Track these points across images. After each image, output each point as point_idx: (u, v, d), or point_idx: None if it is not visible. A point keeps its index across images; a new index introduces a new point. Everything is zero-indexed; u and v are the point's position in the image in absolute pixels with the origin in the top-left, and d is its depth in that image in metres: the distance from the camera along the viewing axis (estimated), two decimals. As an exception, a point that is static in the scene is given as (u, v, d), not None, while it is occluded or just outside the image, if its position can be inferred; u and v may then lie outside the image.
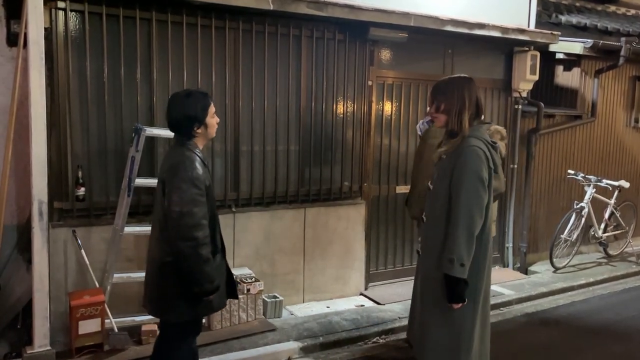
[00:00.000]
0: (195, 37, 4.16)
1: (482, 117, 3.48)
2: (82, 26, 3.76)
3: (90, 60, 3.80)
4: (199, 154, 2.70)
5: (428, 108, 3.77)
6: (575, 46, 6.27)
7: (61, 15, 3.68)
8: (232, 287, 2.94)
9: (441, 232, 2.80)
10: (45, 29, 3.50)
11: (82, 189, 3.81)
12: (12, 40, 3.72)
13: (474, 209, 2.72)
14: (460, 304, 2.76)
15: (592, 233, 6.53)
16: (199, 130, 2.72)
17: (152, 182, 3.66)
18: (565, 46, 6.25)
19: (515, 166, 6.05)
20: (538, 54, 5.81)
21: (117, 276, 3.85)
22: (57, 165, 3.76)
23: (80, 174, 3.80)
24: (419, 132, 3.90)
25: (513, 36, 5.41)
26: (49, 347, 3.51)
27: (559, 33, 5.85)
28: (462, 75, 2.95)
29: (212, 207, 2.74)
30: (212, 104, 2.78)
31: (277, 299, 4.49)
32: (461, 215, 2.71)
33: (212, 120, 2.78)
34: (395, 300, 4.93)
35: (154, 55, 4.01)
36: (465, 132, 2.78)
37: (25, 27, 3.38)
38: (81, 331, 3.59)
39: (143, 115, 4.03)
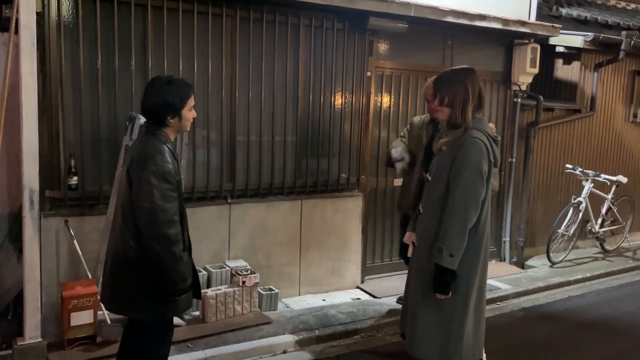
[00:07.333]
0: (192, 24, 4.08)
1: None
2: (75, 11, 3.68)
3: (83, 46, 3.72)
4: (169, 146, 2.55)
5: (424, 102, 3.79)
6: (576, 39, 6.23)
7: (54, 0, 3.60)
8: (197, 288, 2.79)
9: (436, 223, 2.78)
10: (37, 13, 3.41)
11: (75, 177, 3.75)
12: (4, 25, 3.62)
13: (469, 201, 2.69)
14: (444, 295, 2.74)
15: (589, 228, 6.52)
16: (172, 121, 2.56)
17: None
18: (566, 39, 6.21)
19: (514, 160, 6.01)
20: (538, 46, 5.76)
21: (110, 267, 3.79)
22: (49, 154, 3.69)
23: (72, 162, 3.73)
24: (398, 157, 4.06)
25: (514, 28, 5.35)
26: (40, 339, 3.46)
27: (560, 26, 5.80)
28: (465, 66, 2.91)
29: (182, 203, 2.60)
30: (192, 97, 2.63)
31: (272, 292, 4.45)
32: (456, 206, 2.69)
33: (189, 113, 2.62)
34: (391, 293, 4.90)
35: (149, 42, 3.93)
36: (469, 124, 2.74)
37: (17, 12, 3.28)
38: (73, 322, 3.54)
39: (137, 103, 3.93)
